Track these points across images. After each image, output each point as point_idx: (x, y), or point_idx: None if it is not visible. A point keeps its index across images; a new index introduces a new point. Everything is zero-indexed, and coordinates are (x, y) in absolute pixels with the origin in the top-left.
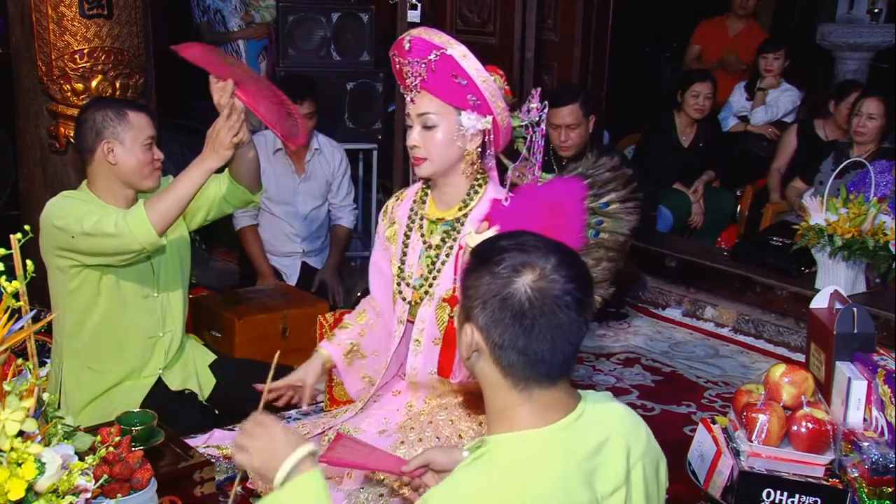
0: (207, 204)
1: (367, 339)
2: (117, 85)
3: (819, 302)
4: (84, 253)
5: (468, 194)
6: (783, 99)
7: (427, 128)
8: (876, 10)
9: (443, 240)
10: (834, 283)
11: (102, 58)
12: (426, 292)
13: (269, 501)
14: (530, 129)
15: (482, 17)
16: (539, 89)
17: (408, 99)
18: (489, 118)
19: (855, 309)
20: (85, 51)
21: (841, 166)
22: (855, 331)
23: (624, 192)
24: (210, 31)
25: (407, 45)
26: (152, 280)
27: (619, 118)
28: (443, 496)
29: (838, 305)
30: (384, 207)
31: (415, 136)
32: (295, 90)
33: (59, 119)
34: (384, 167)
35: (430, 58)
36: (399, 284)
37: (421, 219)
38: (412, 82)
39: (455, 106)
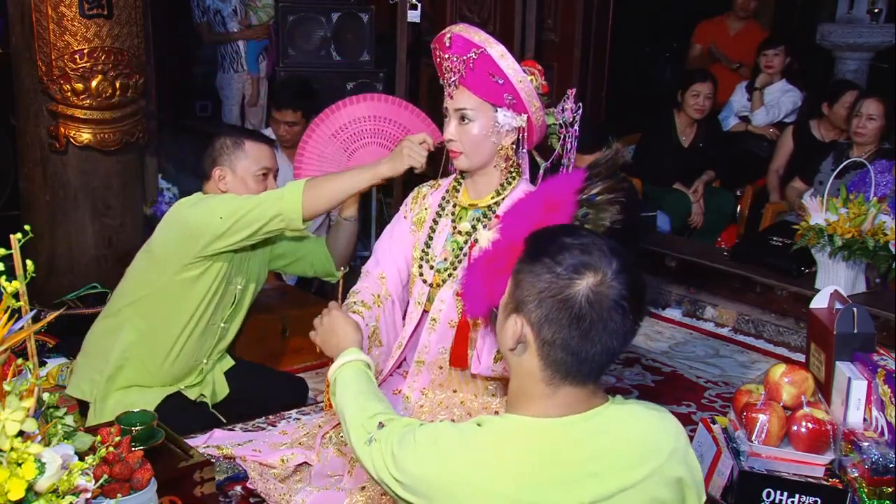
0: (297, 254)
1: (384, 326)
2: (117, 85)
3: (819, 302)
4: (222, 234)
5: (501, 185)
6: (785, 100)
7: (464, 123)
8: (876, 10)
9: (473, 226)
10: (834, 283)
11: (102, 58)
12: (449, 275)
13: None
14: (564, 128)
15: (482, 17)
16: (574, 90)
17: (446, 93)
18: (524, 116)
19: (855, 309)
20: (85, 51)
21: (841, 166)
22: (855, 331)
23: (610, 182)
24: (210, 31)
25: (448, 42)
26: (230, 309)
27: (619, 118)
28: (433, 438)
29: (838, 305)
30: (416, 191)
31: (451, 130)
32: (280, 98)
33: (59, 119)
34: None
35: (469, 55)
36: (421, 267)
37: (453, 206)
38: (451, 78)
39: (492, 103)
